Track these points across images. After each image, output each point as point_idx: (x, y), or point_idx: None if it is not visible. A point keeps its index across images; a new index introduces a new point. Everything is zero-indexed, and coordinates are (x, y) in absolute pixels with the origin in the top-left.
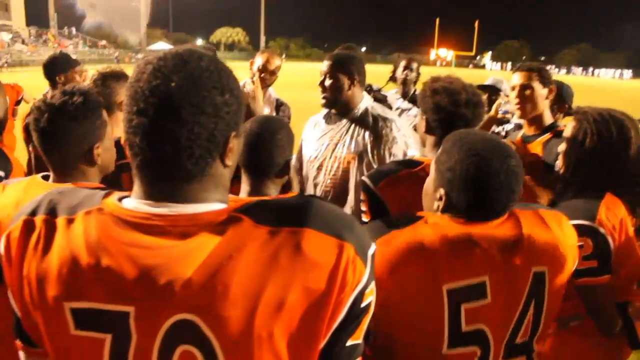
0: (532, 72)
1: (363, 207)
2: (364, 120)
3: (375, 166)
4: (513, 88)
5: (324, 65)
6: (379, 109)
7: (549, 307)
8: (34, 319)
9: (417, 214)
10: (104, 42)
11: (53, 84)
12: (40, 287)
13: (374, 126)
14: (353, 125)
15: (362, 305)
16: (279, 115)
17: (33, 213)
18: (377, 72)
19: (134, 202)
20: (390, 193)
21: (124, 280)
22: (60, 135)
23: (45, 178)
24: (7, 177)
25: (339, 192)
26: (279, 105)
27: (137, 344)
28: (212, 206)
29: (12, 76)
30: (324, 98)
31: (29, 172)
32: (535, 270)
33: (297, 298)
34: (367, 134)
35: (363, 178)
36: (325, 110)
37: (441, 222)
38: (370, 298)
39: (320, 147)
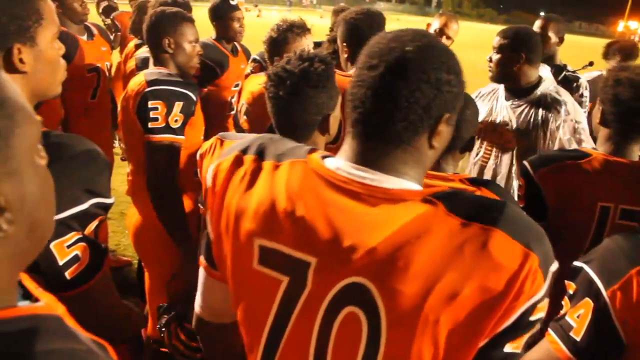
0: None
1: (519, 192)
2: (539, 102)
3: (536, 149)
4: None
5: (495, 40)
6: (553, 90)
7: None
8: (224, 246)
9: None
10: None
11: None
12: (237, 218)
13: (545, 108)
14: (524, 104)
15: (531, 318)
16: None
17: (244, 151)
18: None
19: (337, 163)
20: (550, 182)
21: (314, 233)
22: (299, 104)
23: None
24: (196, 102)
25: (492, 168)
26: None
27: (310, 293)
28: (410, 185)
29: (194, 11)
30: (491, 71)
31: None
32: None
33: (472, 293)
34: (537, 115)
35: (524, 162)
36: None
37: None
38: (540, 314)
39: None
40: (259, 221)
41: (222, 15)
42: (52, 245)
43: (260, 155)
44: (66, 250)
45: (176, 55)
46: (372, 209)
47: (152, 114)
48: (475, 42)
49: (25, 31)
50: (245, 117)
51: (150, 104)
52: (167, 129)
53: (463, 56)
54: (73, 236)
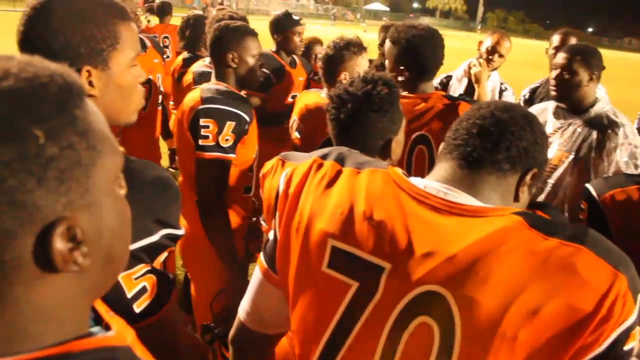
0: None
1: (581, 216)
2: (593, 121)
3: (591, 171)
4: None
5: (560, 57)
6: (609, 111)
7: None
8: (291, 247)
9: None
10: None
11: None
12: (311, 219)
13: (600, 128)
14: (579, 124)
15: (625, 347)
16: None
17: (324, 157)
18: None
19: (423, 182)
20: (615, 207)
21: (391, 238)
22: (361, 127)
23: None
24: (250, 122)
25: (547, 191)
26: (502, 90)
27: (380, 301)
28: (488, 205)
29: (250, 24)
30: (555, 91)
31: None
32: None
33: (556, 311)
34: (590, 135)
35: (587, 185)
36: (549, 101)
37: None
38: (633, 343)
39: None
40: (335, 222)
41: (284, 29)
42: (120, 277)
43: (340, 161)
44: (134, 282)
45: (239, 70)
46: (452, 221)
47: (203, 132)
48: (522, 59)
49: (97, 54)
50: (297, 134)
51: (202, 121)
52: (217, 147)
53: (510, 73)
54: (141, 268)
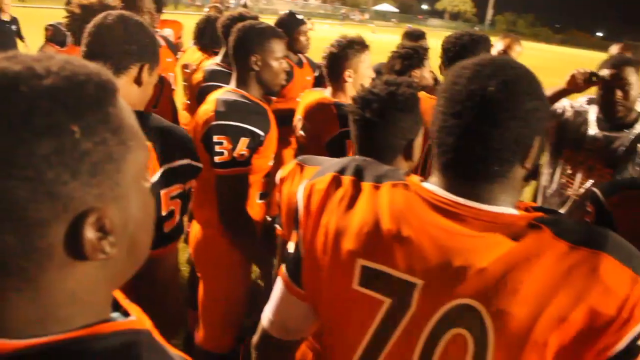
0: None
1: (587, 220)
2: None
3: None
4: None
5: (621, 72)
6: None
7: None
8: (319, 264)
9: None
10: None
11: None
12: (337, 238)
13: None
14: (622, 136)
15: (639, 342)
16: None
17: (341, 172)
18: None
19: (437, 188)
20: (623, 211)
21: (421, 254)
22: (385, 126)
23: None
24: (266, 134)
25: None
26: None
27: (414, 315)
28: (511, 210)
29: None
30: (620, 108)
31: None
32: None
33: (580, 317)
34: (632, 148)
35: (593, 188)
36: (589, 109)
37: None
38: None
39: None
40: (362, 241)
41: (289, 29)
42: (161, 193)
43: (359, 176)
44: (169, 202)
45: (262, 73)
46: (478, 232)
47: (217, 148)
48: (530, 63)
49: (152, 55)
50: (301, 132)
51: (216, 138)
52: (233, 162)
53: None
54: (177, 188)
